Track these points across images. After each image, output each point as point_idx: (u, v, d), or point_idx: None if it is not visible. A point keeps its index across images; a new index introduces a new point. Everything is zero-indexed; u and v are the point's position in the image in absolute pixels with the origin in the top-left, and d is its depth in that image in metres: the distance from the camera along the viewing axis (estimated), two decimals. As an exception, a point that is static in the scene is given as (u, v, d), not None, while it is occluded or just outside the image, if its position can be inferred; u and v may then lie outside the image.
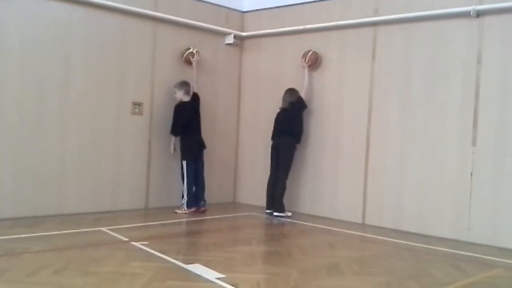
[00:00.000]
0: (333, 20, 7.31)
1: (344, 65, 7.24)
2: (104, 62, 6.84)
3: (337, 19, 7.27)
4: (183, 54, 7.59)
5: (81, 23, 6.61)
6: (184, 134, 7.25)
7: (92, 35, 6.71)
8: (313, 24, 7.52)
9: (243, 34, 8.44)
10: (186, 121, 7.22)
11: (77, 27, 6.57)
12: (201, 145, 7.39)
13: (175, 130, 7.26)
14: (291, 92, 7.39)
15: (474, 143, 5.99)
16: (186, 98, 7.29)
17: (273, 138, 7.44)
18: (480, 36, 5.99)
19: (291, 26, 7.79)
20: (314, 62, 7.42)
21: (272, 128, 7.49)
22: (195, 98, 7.40)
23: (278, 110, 7.48)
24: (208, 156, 7.60)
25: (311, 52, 7.41)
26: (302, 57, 7.46)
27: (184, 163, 7.21)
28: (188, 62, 7.59)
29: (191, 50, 7.57)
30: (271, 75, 8.10)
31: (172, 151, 7.40)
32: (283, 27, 7.91)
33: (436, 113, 6.30)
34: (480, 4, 5.97)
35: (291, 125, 7.32)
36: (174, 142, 7.38)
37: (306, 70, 7.43)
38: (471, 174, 5.98)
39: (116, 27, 6.97)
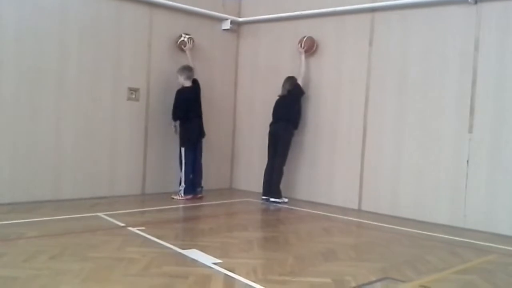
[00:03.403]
0: (330, 6, 7.26)
1: (342, 51, 7.21)
2: (100, 47, 6.79)
3: (334, 5, 7.22)
4: (176, 41, 7.54)
5: (76, 8, 6.54)
6: (185, 119, 7.20)
7: (87, 21, 6.65)
8: (310, 10, 7.48)
9: (240, 19, 8.39)
10: (187, 106, 7.17)
11: (72, 13, 6.51)
12: (200, 132, 7.36)
13: (176, 115, 7.20)
14: (291, 79, 7.36)
15: (470, 130, 6.00)
16: (188, 83, 7.25)
17: (270, 124, 7.43)
18: (478, 23, 5.96)
19: (289, 12, 7.74)
20: (310, 47, 7.39)
21: (269, 115, 7.48)
22: (196, 84, 7.37)
23: (277, 98, 7.45)
24: (205, 142, 7.57)
25: (306, 37, 7.37)
26: (298, 42, 7.43)
27: (183, 149, 7.20)
28: (182, 49, 7.54)
29: (182, 38, 7.49)
30: (268, 61, 8.07)
31: (174, 133, 7.35)
32: (281, 13, 7.85)
33: (433, 100, 6.30)
34: (479, -10, 5.95)
35: (288, 111, 7.31)
36: (175, 124, 7.35)
37: (302, 56, 7.40)
38: (467, 161, 6.00)
39: (112, 12, 6.91)
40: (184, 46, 7.49)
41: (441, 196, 6.21)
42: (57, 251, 4.15)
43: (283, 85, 7.41)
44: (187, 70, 7.26)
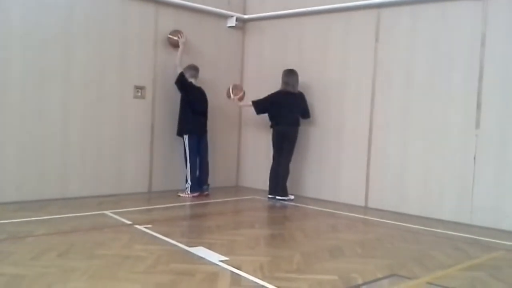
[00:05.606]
0: (336, 2, 7.24)
1: (348, 47, 7.19)
2: (105, 45, 6.81)
3: (340, 1, 7.20)
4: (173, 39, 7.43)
5: (82, 6, 6.56)
6: (191, 111, 7.16)
7: (93, 18, 6.67)
8: (316, 6, 7.45)
9: (245, 16, 8.38)
10: (196, 100, 7.21)
11: (78, 10, 6.52)
12: (203, 126, 7.34)
13: (182, 80, 7.13)
14: (293, 73, 7.28)
15: (477, 126, 5.97)
16: (194, 81, 7.31)
17: (279, 123, 7.28)
18: (485, 19, 5.93)
19: (294, 9, 7.72)
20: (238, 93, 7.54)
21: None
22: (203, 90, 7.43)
23: (280, 93, 7.30)
24: (211, 140, 7.59)
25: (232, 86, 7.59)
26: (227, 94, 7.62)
27: (186, 138, 7.16)
28: (176, 46, 7.44)
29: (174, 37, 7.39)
30: (274, 58, 8.05)
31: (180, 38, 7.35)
32: (286, 10, 7.83)
33: (440, 96, 6.27)
34: (485, -15, 5.91)
35: (298, 115, 7.26)
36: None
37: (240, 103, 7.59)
38: (474, 157, 5.97)
39: (118, 10, 6.92)
40: (180, 38, 7.35)
41: (447, 192, 6.19)
42: (64, 248, 4.18)
43: (287, 80, 7.25)
44: (189, 68, 7.30)
